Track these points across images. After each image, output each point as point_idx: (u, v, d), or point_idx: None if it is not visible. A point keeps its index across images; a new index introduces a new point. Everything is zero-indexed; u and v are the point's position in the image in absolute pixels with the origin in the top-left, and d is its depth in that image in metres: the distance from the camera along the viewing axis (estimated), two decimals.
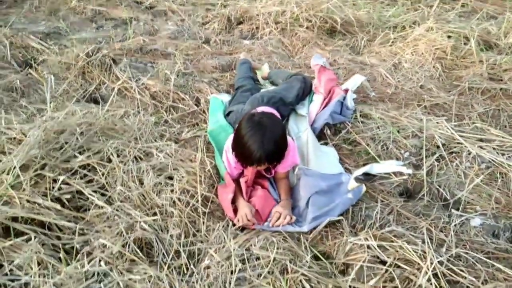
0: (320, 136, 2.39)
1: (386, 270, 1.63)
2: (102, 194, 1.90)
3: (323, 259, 1.73)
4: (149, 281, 1.52)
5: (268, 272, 1.62)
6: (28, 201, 1.73)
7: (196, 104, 2.63)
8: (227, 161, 2.00)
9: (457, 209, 2.00)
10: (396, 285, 1.57)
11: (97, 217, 1.77)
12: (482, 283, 1.60)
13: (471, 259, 1.70)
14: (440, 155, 2.23)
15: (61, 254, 1.56)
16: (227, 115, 2.41)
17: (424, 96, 2.82)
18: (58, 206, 1.74)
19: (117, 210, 1.78)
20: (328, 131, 2.39)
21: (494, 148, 2.24)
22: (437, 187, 2.10)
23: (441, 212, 1.97)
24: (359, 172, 2.09)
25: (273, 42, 3.49)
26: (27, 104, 2.52)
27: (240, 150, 1.83)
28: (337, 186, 1.96)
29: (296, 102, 2.48)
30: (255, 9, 3.75)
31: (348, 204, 1.90)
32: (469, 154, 2.20)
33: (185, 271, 1.63)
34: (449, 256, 1.70)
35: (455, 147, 2.27)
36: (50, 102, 2.37)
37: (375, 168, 2.15)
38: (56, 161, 1.92)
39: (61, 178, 1.83)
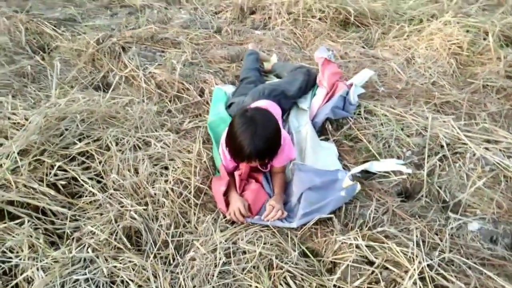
0: (322, 131, 2.36)
1: (373, 272, 1.60)
2: (98, 181, 1.93)
3: (311, 256, 1.72)
4: (133, 269, 1.55)
5: (253, 267, 1.62)
6: (24, 185, 1.78)
7: (200, 95, 2.63)
8: (223, 154, 2.00)
9: (456, 212, 1.94)
10: (381, 287, 1.55)
11: (90, 204, 1.80)
12: None
13: (464, 265, 1.65)
14: (443, 155, 2.17)
15: (42, 239, 1.60)
16: (228, 106, 2.40)
17: (435, 93, 2.73)
18: (53, 192, 1.78)
19: (109, 198, 1.81)
20: (330, 126, 2.35)
21: (500, 150, 2.16)
22: (437, 188, 2.05)
23: (438, 214, 1.92)
24: (357, 169, 2.05)
25: (285, 33, 3.44)
26: (37, 90, 2.58)
27: (232, 145, 1.82)
28: (331, 183, 1.93)
29: (298, 95, 2.45)
30: None
31: (341, 202, 1.87)
32: (474, 155, 2.13)
33: (171, 262, 1.66)
34: (441, 261, 1.66)
35: (459, 147, 2.19)
36: (56, 89, 2.41)
37: (375, 166, 2.11)
38: (55, 147, 1.97)
39: (58, 164, 1.87)
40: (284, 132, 2.02)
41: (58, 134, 2.03)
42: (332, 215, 1.83)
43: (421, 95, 2.71)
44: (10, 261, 1.55)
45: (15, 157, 1.81)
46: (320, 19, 3.49)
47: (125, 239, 1.64)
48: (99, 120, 2.18)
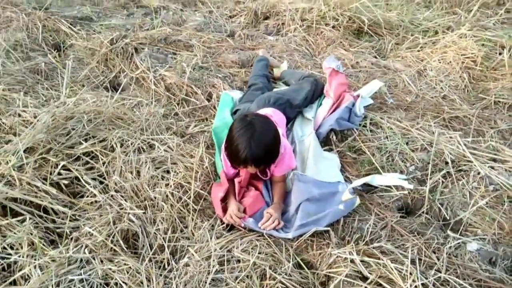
0: (326, 141, 2.35)
1: None
2: (100, 182, 1.97)
3: (305, 268, 1.72)
4: (128, 272, 1.58)
5: (246, 276, 1.63)
6: (28, 183, 1.82)
7: (207, 99, 2.65)
8: (224, 160, 2.01)
9: (457, 231, 1.92)
10: None
11: (90, 205, 1.84)
12: None
13: (459, 286, 1.63)
14: (447, 172, 2.14)
15: (39, 239, 1.64)
16: (234, 112, 2.42)
17: (444, 107, 2.70)
18: (55, 191, 1.82)
19: (110, 199, 1.84)
20: (334, 137, 2.35)
21: (506, 170, 2.12)
22: (439, 205, 2.02)
23: (438, 232, 1.90)
24: (358, 182, 2.05)
25: (297, 40, 3.44)
26: (49, 87, 2.64)
27: (229, 149, 1.84)
28: (331, 195, 1.93)
29: (304, 104, 2.45)
30: (283, 4, 3.70)
31: (338, 215, 1.87)
32: (478, 174, 2.09)
33: (166, 266, 1.68)
34: (436, 280, 1.64)
35: (464, 164, 2.17)
36: (66, 88, 2.46)
37: (376, 180, 2.10)
38: (61, 147, 2.01)
39: (62, 163, 1.91)
40: (285, 141, 2.03)
41: (65, 134, 2.08)
42: (329, 228, 1.83)
43: (430, 109, 2.68)
44: (9, 258, 1.59)
45: (21, 155, 1.86)
46: (333, 27, 3.48)
47: (121, 242, 1.67)
48: (106, 121, 2.22)
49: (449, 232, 1.89)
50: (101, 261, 1.59)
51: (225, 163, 2.01)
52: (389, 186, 2.09)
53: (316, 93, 2.51)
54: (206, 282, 1.58)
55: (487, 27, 3.63)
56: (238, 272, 1.63)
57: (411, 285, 1.57)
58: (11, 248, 1.63)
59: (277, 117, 2.20)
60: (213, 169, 2.12)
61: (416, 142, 2.31)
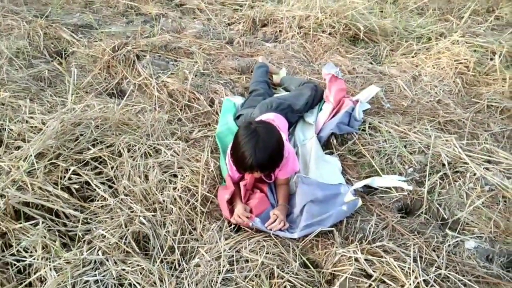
0: (327, 145, 2.43)
1: (370, 285, 1.66)
2: (110, 186, 2.02)
3: (311, 267, 1.79)
4: (141, 273, 1.62)
5: (255, 276, 1.68)
6: (40, 188, 1.87)
7: (210, 105, 2.71)
8: (230, 163, 2.07)
9: (455, 230, 2.00)
10: None
11: (101, 208, 1.88)
12: None
13: (459, 282, 1.71)
14: (444, 174, 2.22)
15: (57, 242, 1.68)
16: (237, 118, 2.48)
17: (439, 111, 2.79)
18: (67, 195, 1.87)
19: (120, 203, 1.89)
20: (335, 141, 2.42)
21: (500, 171, 2.21)
22: (437, 205, 2.10)
23: (437, 231, 1.98)
24: (359, 184, 2.12)
25: (295, 47, 3.52)
26: (53, 94, 2.68)
27: (235, 156, 1.90)
28: (333, 197, 2.00)
29: (305, 109, 2.52)
30: (280, 12, 3.79)
31: (342, 216, 1.93)
32: (474, 175, 2.18)
33: (177, 267, 1.73)
34: (437, 277, 1.72)
35: (460, 166, 2.25)
36: (72, 95, 2.51)
37: (376, 182, 2.17)
38: (70, 152, 2.06)
39: (73, 168, 1.95)
40: (288, 145, 2.09)
41: (73, 139, 2.12)
42: (333, 228, 1.90)
43: (425, 113, 2.77)
44: (24, 260, 1.63)
45: (33, 160, 1.90)
46: (330, 34, 3.57)
47: (133, 244, 1.72)
48: (113, 126, 2.27)
49: (447, 231, 1.97)
50: (115, 263, 1.64)
51: (230, 167, 2.07)
52: (389, 188, 2.17)
53: (316, 98, 2.58)
54: (217, 282, 1.63)
55: (478, 34, 3.75)
56: (247, 271, 1.69)
57: (413, 282, 1.63)
58: (25, 251, 1.67)
59: (279, 122, 2.26)
60: (219, 172, 2.18)
61: (414, 145, 2.39)
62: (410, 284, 1.62)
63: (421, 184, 2.21)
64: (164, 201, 1.95)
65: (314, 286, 1.71)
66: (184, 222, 1.89)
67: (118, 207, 1.87)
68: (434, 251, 1.86)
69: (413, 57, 3.41)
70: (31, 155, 1.93)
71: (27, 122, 2.27)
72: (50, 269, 1.58)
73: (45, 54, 3.22)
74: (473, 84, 3.11)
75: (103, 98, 2.70)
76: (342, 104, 2.48)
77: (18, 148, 2.08)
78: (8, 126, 2.21)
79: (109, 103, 2.49)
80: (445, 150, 2.32)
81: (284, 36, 3.66)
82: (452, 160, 2.28)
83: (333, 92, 2.49)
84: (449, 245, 1.89)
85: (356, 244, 1.82)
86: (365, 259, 1.75)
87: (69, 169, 1.96)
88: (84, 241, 1.72)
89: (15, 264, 1.63)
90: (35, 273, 1.59)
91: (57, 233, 1.75)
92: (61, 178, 1.93)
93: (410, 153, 2.34)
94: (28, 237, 1.69)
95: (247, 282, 1.65)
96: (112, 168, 2.07)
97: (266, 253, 1.76)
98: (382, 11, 4.09)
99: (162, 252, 1.76)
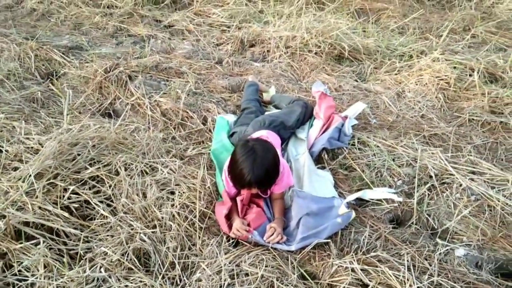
0: (318, 160, 2.50)
1: None
2: (108, 205, 2.04)
3: (309, 278, 1.83)
4: None
5: None
6: (39, 207, 1.88)
7: (203, 123, 2.77)
8: (226, 180, 2.12)
9: (444, 239, 2.08)
10: None
11: (101, 226, 1.91)
12: None
13: None
14: (432, 185, 2.32)
15: (65, 259, 1.70)
16: (231, 135, 2.54)
17: (424, 125, 2.91)
18: (67, 214, 1.89)
19: (120, 220, 1.92)
20: (326, 156, 2.50)
21: (485, 181, 2.31)
22: (427, 216, 2.18)
23: (427, 240, 2.05)
24: (351, 197, 2.19)
25: (283, 66, 3.63)
26: (46, 115, 2.70)
27: (233, 173, 1.96)
28: (328, 210, 2.06)
29: (297, 126, 2.61)
30: (267, 33, 3.91)
31: (337, 228, 2.00)
32: (460, 185, 2.28)
33: (178, 282, 1.76)
34: (430, 284, 1.79)
35: (447, 178, 2.35)
36: (67, 115, 2.54)
37: (368, 194, 2.25)
38: (68, 172, 2.08)
39: (71, 188, 1.98)
40: (283, 161, 2.16)
41: (71, 159, 2.15)
42: (329, 240, 1.96)
43: (411, 128, 2.89)
44: (26, 280, 1.64)
45: (32, 180, 1.92)
46: (316, 53, 3.69)
47: (135, 260, 1.74)
48: (109, 146, 2.30)
49: (437, 240, 2.05)
50: (118, 279, 1.66)
51: (227, 183, 2.12)
52: (380, 200, 2.25)
53: (306, 115, 2.67)
54: None
55: (456, 51, 3.94)
56: (248, 284, 1.73)
57: None
58: (27, 270, 1.68)
59: (273, 138, 2.33)
60: (215, 189, 2.22)
61: (402, 158, 2.49)
62: None
63: (410, 196, 2.29)
64: (163, 218, 1.98)
65: None
66: (183, 238, 1.93)
67: (118, 225, 1.90)
68: (426, 259, 1.93)
69: (396, 74, 3.55)
70: (30, 176, 1.95)
71: (23, 143, 2.28)
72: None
73: (37, 75, 3.25)
74: (454, 99, 3.25)
75: (97, 118, 2.73)
76: (332, 120, 2.58)
77: (15, 169, 2.10)
78: (4, 147, 2.23)
79: (104, 123, 2.53)
80: (431, 162, 2.42)
81: (272, 55, 3.77)
82: (438, 172, 2.38)
83: (323, 109, 2.59)
84: (440, 254, 1.97)
85: (352, 255, 1.88)
86: (361, 269, 1.81)
87: (68, 189, 1.99)
88: (86, 259, 1.74)
89: (17, 284, 1.63)
90: None
91: (58, 252, 1.77)
92: (60, 198, 1.95)
93: (399, 166, 2.43)
94: (29, 256, 1.70)
95: None
96: (110, 186, 2.10)
97: (265, 266, 1.80)
98: (365, 31, 4.26)
99: (163, 268, 1.78)
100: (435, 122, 2.98)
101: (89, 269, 1.68)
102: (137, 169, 2.21)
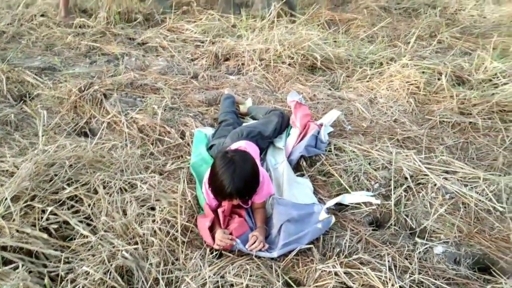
0: (297, 167, 2.54)
1: None
2: (88, 224, 2.02)
3: (294, 285, 1.85)
4: None
5: None
6: (17, 230, 1.85)
7: (181, 137, 2.78)
8: (206, 192, 2.13)
9: (423, 238, 2.13)
10: None
11: (82, 246, 1.88)
12: None
13: (432, 286, 1.82)
14: (408, 186, 2.38)
15: (46, 281, 1.67)
16: (209, 148, 2.56)
17: (397, 129, 2.99)
18: (46, 236, 1.85)
19: (100, 239, 1.90)
20: (304, 163, 2.54)
21: (458, 180, 2.39)
22: (405, 216, 2.24)
23: (407, 240, 2.10)
24: (331, 203, 2.23)
25: (257, 78, 3.68)
26: (20, 138, 2.66)
27: (213, 185, 1.98)
28: (308, 216, 2.09)
29: (274, 135, 2.65)
30: (241, 46, 3.97)
31: (317, 233, 2.03)
32: (435, 185, 2.35)
33: None
34: (412, 282, 1.83)
35: (422, 178, 2.42)
36: (42, 136, 2.51)
37: (347, 199, 2.29)
38: (45, 193, 2.05)
39: (49, 209, 1.95)
40: (262, 170, 2.19)
41: (48, 180, 2.12)
42: (311, 245, 1.98)
43: (384, 132, 2.96)
44: None
45: (9, 203, 1.88)
46: (289, 64, 3.77)
47: (118, 278, 1.73)
48: (86, 165, 2.28)
49: (416, 239, 2.10)
50: None
51: (207, 196, 2.13)
52: (359, 203, 2.29)
53: (283, 124, 2.72)
54: None
55: (424, 57, 4.08)
56: None
57: None
58: None
59: (251, 149, 2.36)
60: (196, 202, 2.22)
61: (377, 162, 2.55)
62: None
63: (387, 198, 2.35)
64: (144, 234, 1.97)
65: None
66: (166, 253, 1.92)
67: (99, 244, 1.87)
68: (407, 259, 1.98)
69: (368, 81, 3.65)
70: (5, 199, 1.91)
71: None
72: None
73: (9, 98, 3.20)
74: (425, 102, 3.36)
75: (73, 138, 2.70)
76: (308, 128, 2.63)
77: None
78: None
79: (80, 142, 2.51)
80: (406, 164, 2.49)
81: (246, 68, 3.82)
82: (413, 173, 2.45)
83: (299, 117, 2.64)
84: (419, 252, 2.01)
85: (335, 259, 1.91)
86: (344, 272, 1.84)
87: (46, 210, 1.95)
88: (67, 280, 1.71)
89: None
90: None
91: (38, 275, 1.73)
92: (38, 219, 1.92)
93: (375, 170, 2.49)
94: (8, 281, 1.66)
95: None
96: (89, 205, 2.07)
97: (250, 276, 1.81)
98: (335, 41, 4.37)
99: (147, 285, 1.77)
100: (408, 126, 3.07)
101: None
102: (116, 187, 2.19)
